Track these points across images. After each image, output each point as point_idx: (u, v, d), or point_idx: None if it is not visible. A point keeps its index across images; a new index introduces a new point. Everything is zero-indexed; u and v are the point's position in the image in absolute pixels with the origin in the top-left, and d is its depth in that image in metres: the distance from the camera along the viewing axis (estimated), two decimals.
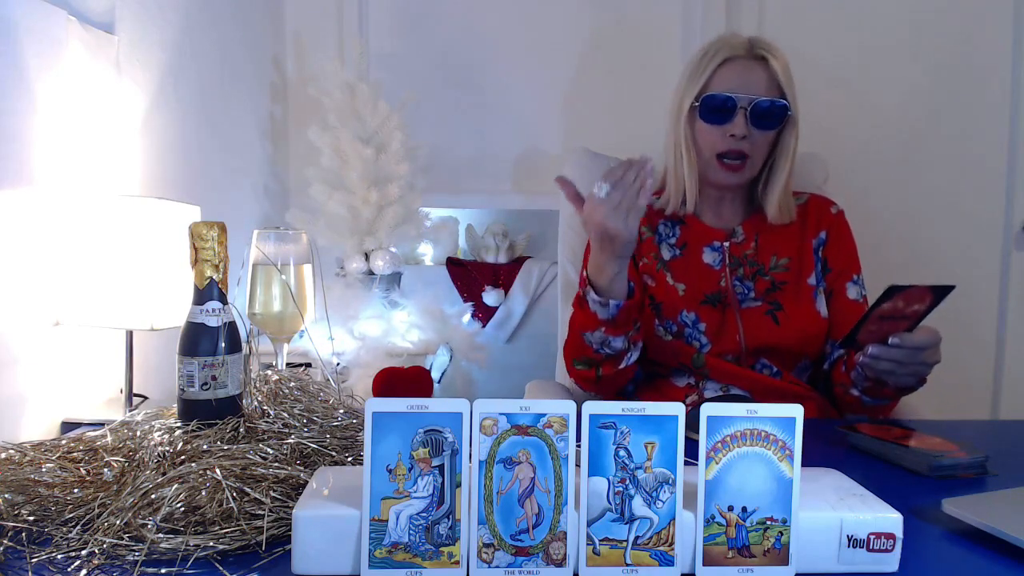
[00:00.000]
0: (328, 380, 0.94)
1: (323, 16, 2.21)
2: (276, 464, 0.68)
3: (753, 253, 1.27)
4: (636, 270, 1.28)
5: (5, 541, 0.60)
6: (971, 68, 2.16)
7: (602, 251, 1.05)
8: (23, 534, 0.61)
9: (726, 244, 1.28)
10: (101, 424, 0.82)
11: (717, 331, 1.22)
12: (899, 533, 0.57)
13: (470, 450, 0.54)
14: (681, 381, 1.25)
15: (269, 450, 0.71)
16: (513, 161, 2.28)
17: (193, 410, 0.77)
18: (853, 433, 0.94)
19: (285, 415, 0.80)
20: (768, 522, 0.56)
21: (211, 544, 0.58)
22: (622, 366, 1.17)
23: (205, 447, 0.71)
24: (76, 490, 0.67)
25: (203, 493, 0.62)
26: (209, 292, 0.78)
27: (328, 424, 0.79)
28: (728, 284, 1.25)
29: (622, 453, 0.55)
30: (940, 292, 0.93)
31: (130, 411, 1.16)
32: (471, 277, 2.18)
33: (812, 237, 1.29)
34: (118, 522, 0.59)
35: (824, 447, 0.95)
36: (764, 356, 1.23)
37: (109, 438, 0.77)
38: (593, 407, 0.55)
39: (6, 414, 1.07)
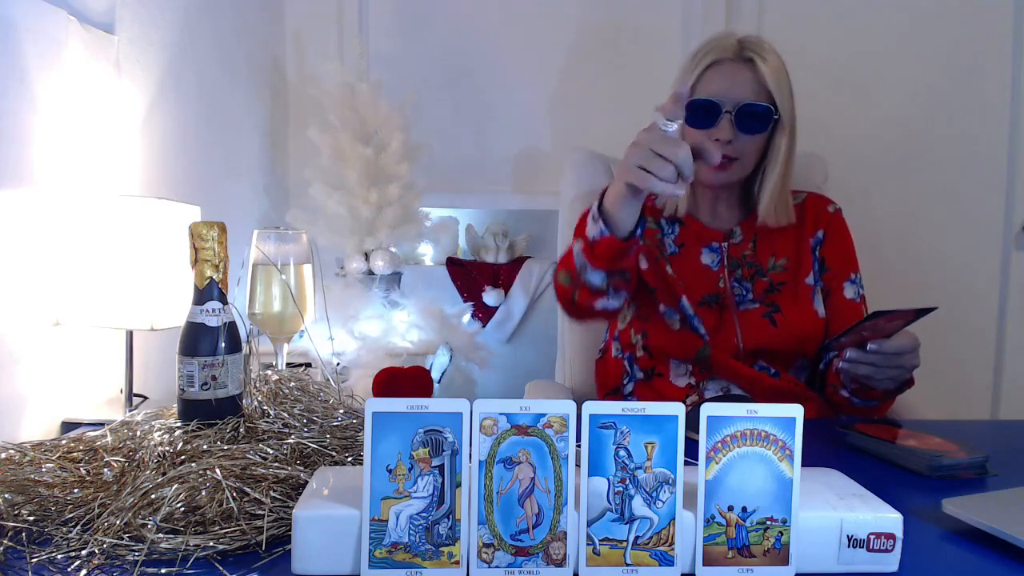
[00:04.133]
0: (328, 380, 0.94)
1: (323, 16, 2.21)
2: (276, 464, 0.68)
3: (751, 254, 1.28)
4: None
5: (5, 541, 0.60)
6: (971, 68, 2.16)
7: (618, 179, 0.99)
8: (23, 534, 0.61)
9: (724, 245, 1.28)
10: (101, 424, 0.82)
11: (715, 333, 1.22)
12: (899, 533, 0.57)
13: (470, 450, 0.54)
14: (681, 381, 1.25)
15: (269, 450, 0.71)
16: (513, 161, 2.28)
17: (193, 410, 0.77)
18: (853, 433, 0.94)
19: (285, 415, 0.80)
20: (768, 522, 0.56)
21: (211, 544, 0.58)
22: (597, 306, 1.14)
23: (205, 447, 0.71)
24: (76, 490, 0.67)
25: (203, 493, 0.62)
26: (209, 292, 0.78)
27: (328, 424, 0.79)
28: (727, 285, 1.25)
29: (622, 453, 0.55)
30: (922, 312, 0.95)
31: (130, 411, 1.16)
32: (471, 277, 2.18)
33: (810, 236, 1.29)
34: (118, 522, 0.59)
35: (824, 447, 0.95)
36: (762, 358, 1.23)
37: (109, 438, 0.77)
38: (593, 407, 0.55)
39: (6, 414, 1.07)
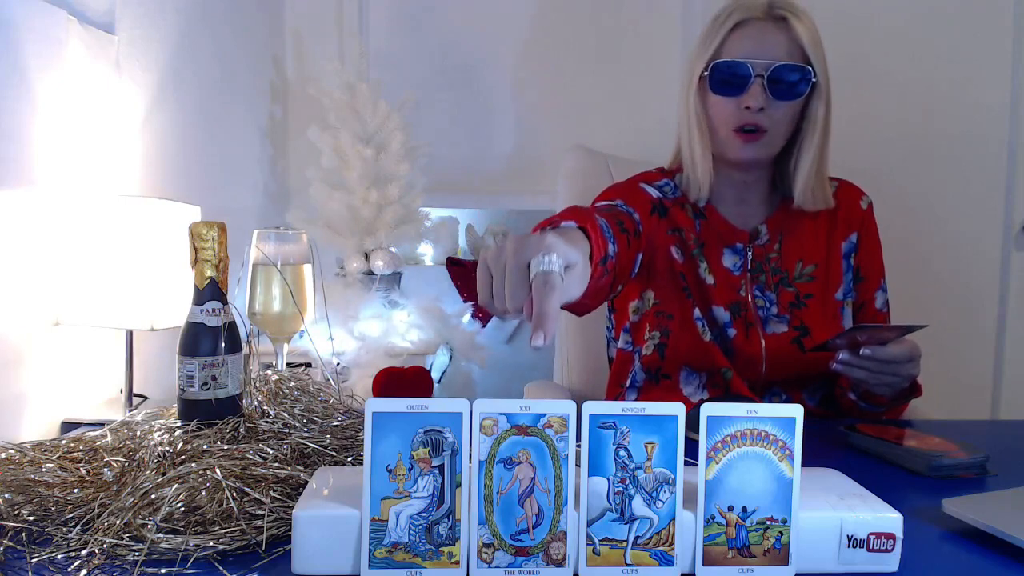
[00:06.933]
0: (328, 380, 0.94)
1: (323, 16, 2.21)
2: (276, 464, 0.68)
3: (776, 256, 1.18)
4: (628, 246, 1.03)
5: (5, 541, 0.60)
6: (971, 68, 2.16)
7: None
8: (23, 534, 0.61)
9: (749, 248, 1.18)
10: (101, 424, 0.82)
11: (740, 353, 1.15)
12: (899, 533, 0.57)
13: (470, 450, 0.54)
14: (694, 395, 1.17)
15: (269, 450, 0.71)
16: (513, 161, 2.28)
17: (193, 410, 0.77)
18: (853, 433, 0.94)
19: (285, 415, 0.80)
20: (768, 522, 0.56)
21: (211, 544, 0.58)
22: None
23: (205, 447, 0.71)
24: (76, 490, 0.67)
25: (203, 493, 0.62)
26: (209, 292, 0.78)
27: (328, 424, 0.79)
28: (748, 293, 1.16)
29: (622, 453, 0.55)
30: (910, 329, 0.95)
31: (130, 411, 1.16)
32: (471, 277, 2.17)
33: (842, 239, 1.20)
34: (118, 522, 0.59)
35: (824, 447, 0.95)
36: (779, 385, 1.17)
37: (109, 438, 0.77)
38: (593, 407, 0.55)
39: (6, 414, 1.07)
